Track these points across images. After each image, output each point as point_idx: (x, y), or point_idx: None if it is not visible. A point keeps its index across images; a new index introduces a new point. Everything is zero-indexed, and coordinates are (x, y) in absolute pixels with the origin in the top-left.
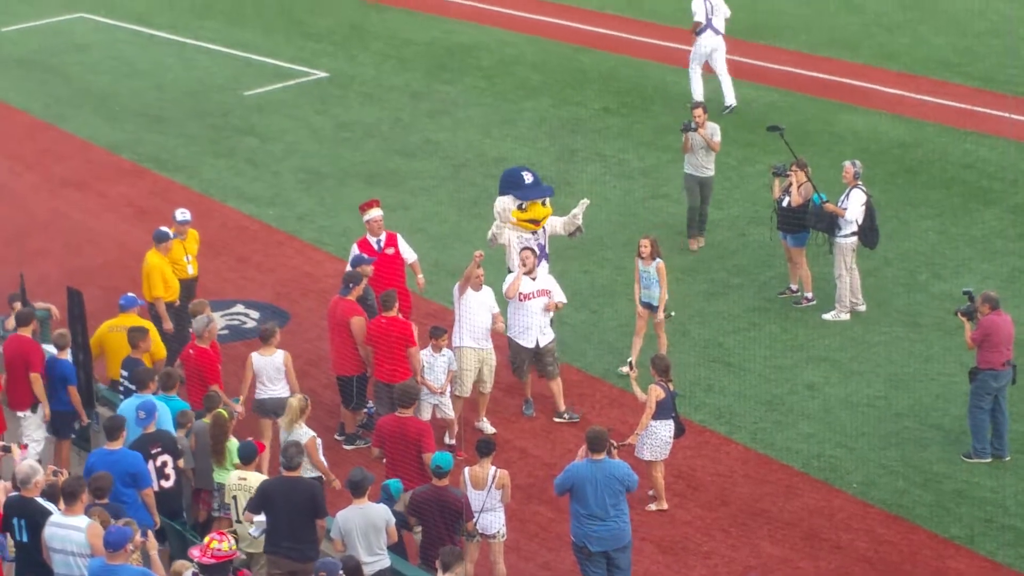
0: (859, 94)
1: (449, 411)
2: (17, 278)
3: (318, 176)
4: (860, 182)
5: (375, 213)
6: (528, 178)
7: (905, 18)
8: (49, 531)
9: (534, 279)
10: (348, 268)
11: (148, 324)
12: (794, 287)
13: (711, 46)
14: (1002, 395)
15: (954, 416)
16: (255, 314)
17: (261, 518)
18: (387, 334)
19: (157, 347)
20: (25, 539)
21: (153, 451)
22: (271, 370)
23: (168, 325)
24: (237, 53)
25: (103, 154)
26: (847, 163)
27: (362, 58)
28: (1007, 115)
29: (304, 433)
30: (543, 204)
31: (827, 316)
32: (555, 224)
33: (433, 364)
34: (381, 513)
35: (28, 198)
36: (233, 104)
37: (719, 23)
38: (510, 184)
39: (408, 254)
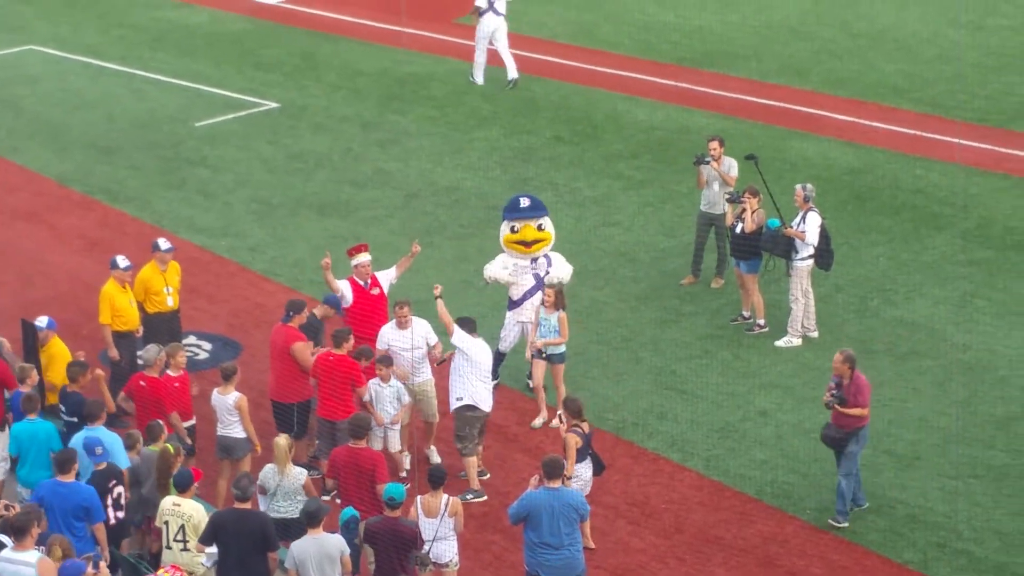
0: (810, 121)
1: (396, 444)
2: None
3: (270, 207)
4: (812, 205)
5: (363, 258)
6: (524, 202)
7: (855, 45)
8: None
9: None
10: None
11: (61, 349)
12: (746, 314)
13: (493, 26)
14: (857, 455)
15: (907, 441)
16: (207, 345)
17: (213, 549)
18: (333, 371)
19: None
20: None
21: (110, 484)
22: (223, 410)
23: (113, 353)
24: (188, 84)
25: (54, 186)
26: (797, 187)
27: (313, 88)
28: (957, 141)
29: (299, 473)
30: (538, 228)
31: (779, 343)
32: (560, 267)
33: (380, 395)
34: (336, 543)
35: None
36: (184, 135)
37: (500, 6)
38: (506, 209)
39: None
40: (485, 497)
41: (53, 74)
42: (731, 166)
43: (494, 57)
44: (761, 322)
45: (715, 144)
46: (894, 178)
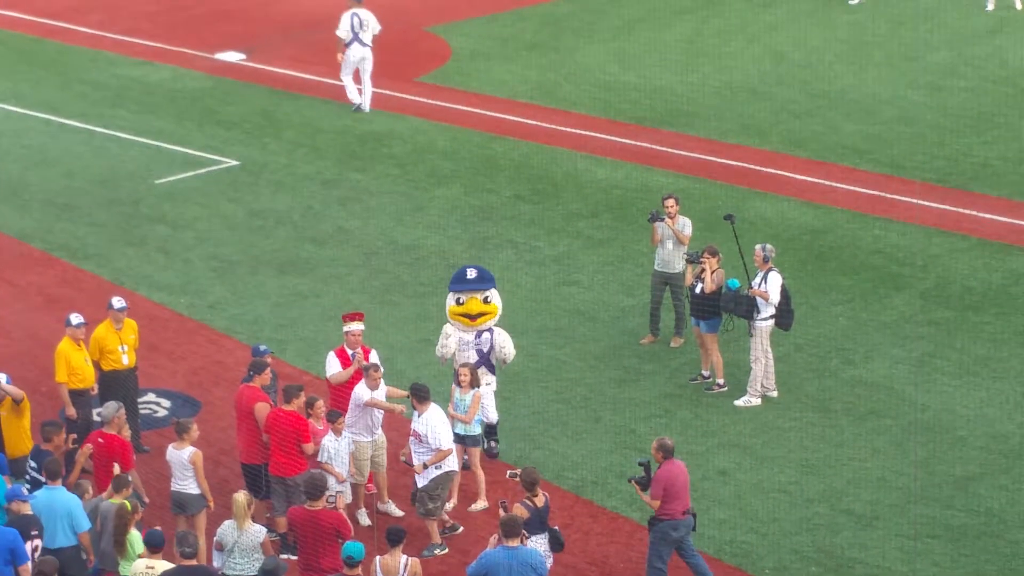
0: (769, 181)
1: (347, 498)
2: None
3: (230, 264)
4: (772, 264)
5: (356, 327)
6: (471, 273)
7: (814, 105)
8: None
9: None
10: (255, 360)
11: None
12: (706, 373)
13: (360, 56)
14: (686, 543)
15: (866, 501)
16: (166, 403)
17: None
18: (281, 427)
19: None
20: None
21: (32, 532)
22: (178, 465)
23: (70, 411)
24: (148, 141)
25: (13, 242)
26: (756, 247)
27: (273, 146)
28: (916, 201)
29: (258, 531)
30: (484, 301)
31: (739, 402)
32: (504, 346)
33: (339, 449)
34: None
35: None
36: (144, 192)
37: (366, 37)
38: (453, 279)
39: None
40: (447, 550)
41: (13, 131)
42: (686, 224)
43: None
44: (720, 381)
45: (671, 202)
46: (853, 238)
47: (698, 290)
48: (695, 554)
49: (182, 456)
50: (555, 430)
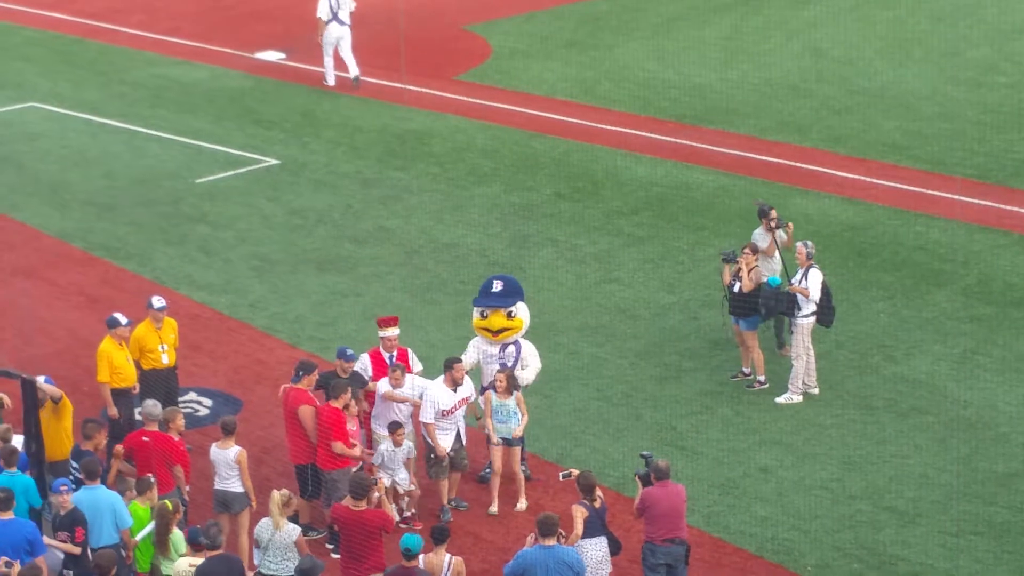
0: (809, 177)
1: (408, 486)
2: None
3: (270, 263)
4: (813, 261)
5: (391, 332)
6: (497, 286)
7: (854, 102)
8: None
9: (456, 390)
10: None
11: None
12: (747, 370)
13: (338, 34)
14: (677, 572)
15: (908, 499)
16: (208, 402)
17: None
18: (321, 421)
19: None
20: None
21: (76, 527)
22: (223, 464)
23: (112, 411)
24: (188, 141)
25: (54, 243)
26: (799, 244)
27: (313, 145)
28: (957, 197)
29: (292, 530)
30: (508, 316)
31: (780, 399)
32: (527, 361)
33: (394, 456)
34: None
35: None
36: (184, 192)
37: (344, 16)
38: (479, 291)
39: (416, 368)
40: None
41: (54, 131)
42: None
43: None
44: (761, 378)
45: (774, 213)
46: (895, 234)
47: (736, 288)
48: None
49: (228, 455)
50: (596, 428)
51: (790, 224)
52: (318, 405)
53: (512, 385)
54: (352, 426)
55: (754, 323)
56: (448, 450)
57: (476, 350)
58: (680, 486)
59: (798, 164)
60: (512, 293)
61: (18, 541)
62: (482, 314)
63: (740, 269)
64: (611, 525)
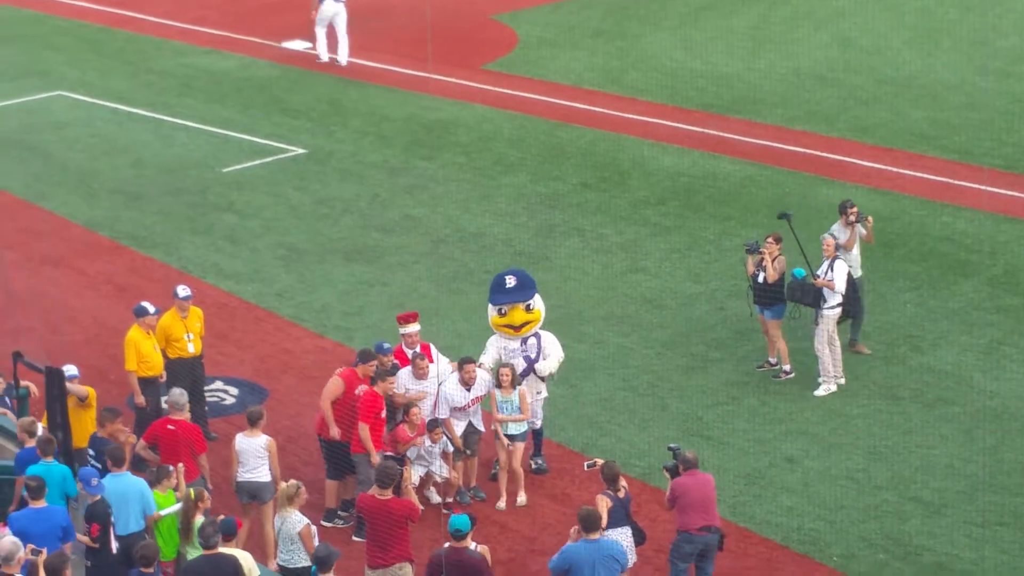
0: (836, 167)
1: (445, 473)
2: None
3: (297, 252)
4: (839, 253)
5: (412, 328)
6: (510, 282)
7: (881, 91)
8: None
9: (468, 389)
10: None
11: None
12: (772, 360)
13: (332, 11)
14: (708, 560)
15: (933, 488)
16: (234, 391)
17: None
18: (362, 404)
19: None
20: None
21: (110, 511)
22: (252, 453)
23: (140, 400)
24: (215, 130)
25: (81, 232)
26: (827, 236)
27: (340, 134)
28: (984, 188)
29: (297, 521)
30: (527, 309)
31: (819, 392)
32: (548, 351)
33: (431, 451)
34: None
35: (7, 277)
36: (211, 181)
37: None
38: (492, 289)
39: (442, 363)
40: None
41: (81, 120)
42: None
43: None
44: (787, 368)
45: (854, 209)
46: (921, 225)
47: (760, 279)
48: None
49: (257, 444)
50: (622, 417)
51: (870, 219)
52: (368, 392)
53: (516, 380)
54: (411, 432)
55: (779, 313)
56: (459, 435)
57: (496, 348)
58: (709, 475)
59: (825, 154)
60: (527, 286)
61: (51, 528)
62: (500, 312)
63: (763, 259)
64: (636, 515)
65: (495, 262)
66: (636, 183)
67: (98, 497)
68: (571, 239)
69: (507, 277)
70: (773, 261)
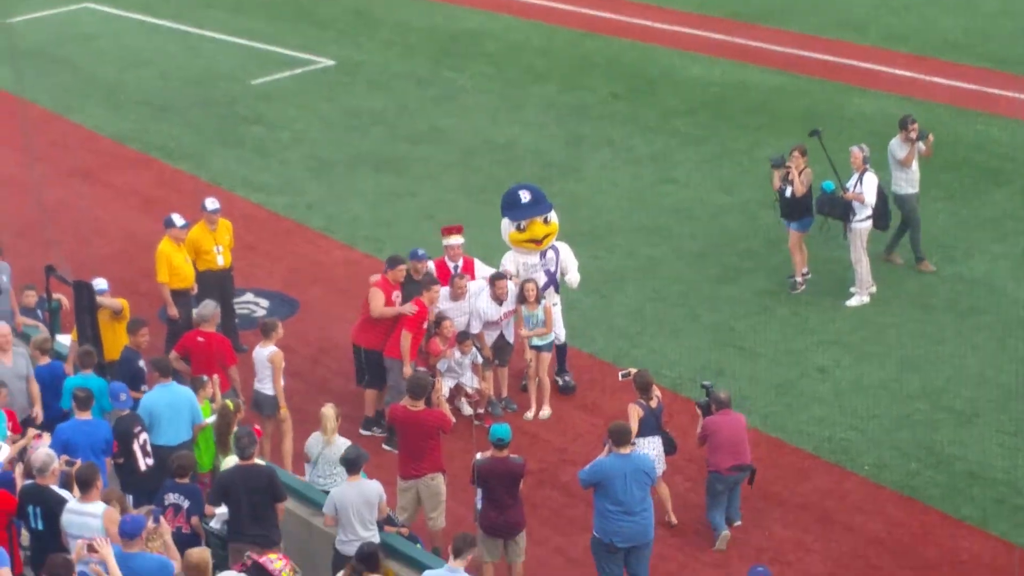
0: (868, 76)
1: (476, 384)
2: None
3: (326, 164)
4: (868, 165)
5: (455, 240)
6: (525, 197)
7: (913, 0)
8: (66, 518)
9: (501, 304)
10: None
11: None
12: (805, 271)
13: None
14: (734, 494)
15: (965, 398)
16: (264, 303)
17: (223, 510)
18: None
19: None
20: (40, 527)
21: (135, 430)
22: (260, 364)
23: (172, 311)
24: (243, 42)
25: (110, 144)
26: (855, 148)
27: (368, 45)
28: (1018, 95)
29: (343, 443)
30: (544, 222)
31: (851, 303)
32: (566, 263)
33: (462, 362)
34: (375, 489)
35: (37, 190)
36: (240, 93)
37: None
38: (507, 205)
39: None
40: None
41: (108, 32)
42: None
43: None
44: (798, 279)
45: (915, 125)
46: (954, 134)
47: (788, 193)
48: (732, 506)
49: (264, 355)
50: (653, 328)
51: (931, 135)
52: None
53: (540, 295)
54: (442, 345)
55: (806, 225)
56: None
57: (513, 264)
58: (740, 415)
59: (856, 63)
60: (542, 199)
61: (96, 441)
62: (519, 227)
63: (790, 173)
64: (667, 425)
65: (524, 173)
66: (665, 93)
67: (125, 412)
68: (601, 150)
69: (520, 192)
70: (800, 174)
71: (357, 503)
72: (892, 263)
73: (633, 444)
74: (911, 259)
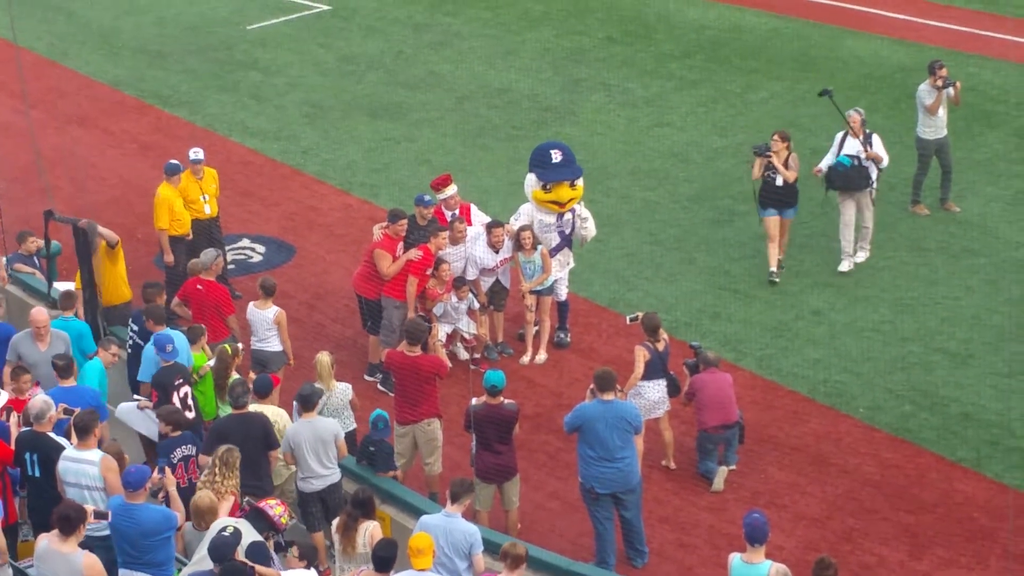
0: (861, 19)
1: (473, 329)
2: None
3: (322, 109)
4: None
5: (449, 192)
6: (557, 156)
7: None
8: (63, 465)
9: (497, 252)
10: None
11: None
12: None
13: None
14: (730, 449)
15: (960, 340)
16: (261, 248)
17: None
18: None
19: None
20: (37, 474)
21: (176, 382)
22: (261, 324)
23: (169, 258)
24: None
25: (106, 90)
26: (852, 112)
27: None
28: (1011, 38)
29: (345, 389)
30: (571, 186)
31: (858, 259)
32: (587, 223)
33: (458, 307)
34: (330, 427)
35: (33, 136)
36: (236, 38)
37: None
38: (537, 162)
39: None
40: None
41: None
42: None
43: None
44: (773, 270)
45: (943, 70)
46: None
47: (779, 182)
48: (727, 459)
49: (266, 316)
50: (648, 271)
51: (958, 83)
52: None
53: (536, 241)
54: (440, 289)
55: (795, 211)
56: (485, 291)
57: (528, 218)
58: (727, 374)
59: (849, 5)
60: (572, 162)
61: (81, 408)
62: (545, 188)
63: (772, 160)
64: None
65: (521, 118)
66: (661, 37)
67: (171, 363)
68: (596, 94)
69: (553, 151)
70: (786, 161)
71: (311, 440)
72: (950, 211)
73: (622, 391)
74: (905, 200)
